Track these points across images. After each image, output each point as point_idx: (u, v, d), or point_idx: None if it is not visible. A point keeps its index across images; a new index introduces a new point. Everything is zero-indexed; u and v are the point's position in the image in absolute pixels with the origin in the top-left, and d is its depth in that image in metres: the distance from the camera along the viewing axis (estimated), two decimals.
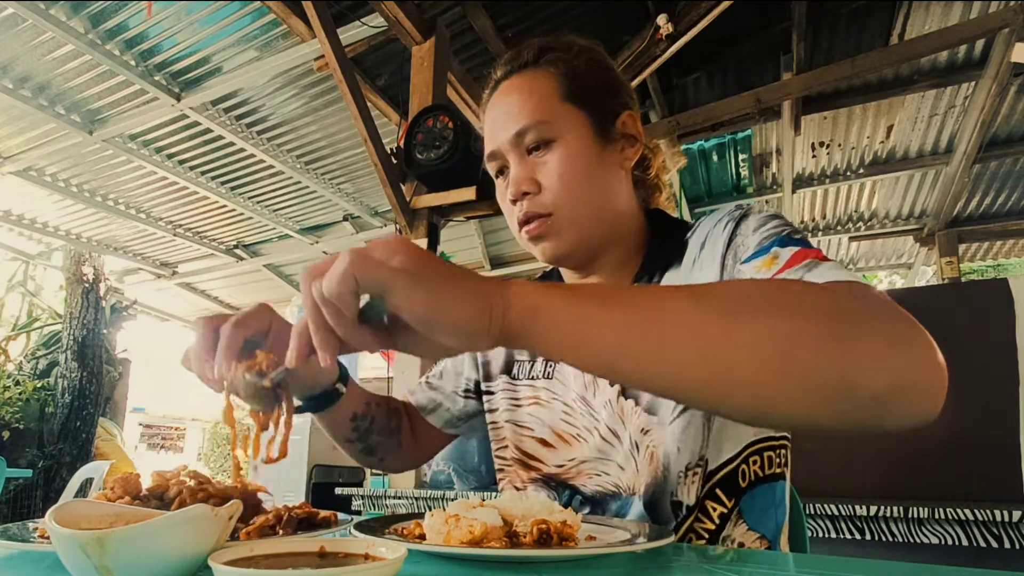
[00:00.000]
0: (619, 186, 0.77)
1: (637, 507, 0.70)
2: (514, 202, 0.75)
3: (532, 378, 0.85)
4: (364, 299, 0.46)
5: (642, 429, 0.72)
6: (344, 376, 0.78)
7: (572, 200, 0.73)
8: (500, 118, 0.76)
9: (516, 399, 0.87)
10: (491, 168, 0.80)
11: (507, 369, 0.89)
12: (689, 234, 0.77)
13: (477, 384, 0.93)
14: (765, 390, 0.41)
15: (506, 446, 0.87)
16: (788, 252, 0.58)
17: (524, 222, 0.75)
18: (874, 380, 0.40)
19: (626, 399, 0.74)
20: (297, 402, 0.76)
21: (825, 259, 0.54)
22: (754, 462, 0.72)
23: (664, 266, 0.76)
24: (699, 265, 0.72)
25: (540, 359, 0.86)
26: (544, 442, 0.81)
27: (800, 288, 0.46)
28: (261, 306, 0.61)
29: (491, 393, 0.90)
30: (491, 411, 0.89)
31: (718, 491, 0.70)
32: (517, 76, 0.77)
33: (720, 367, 0.41)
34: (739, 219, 0.70)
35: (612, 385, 0.75)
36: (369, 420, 0.84)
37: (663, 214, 0.84)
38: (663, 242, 0.79)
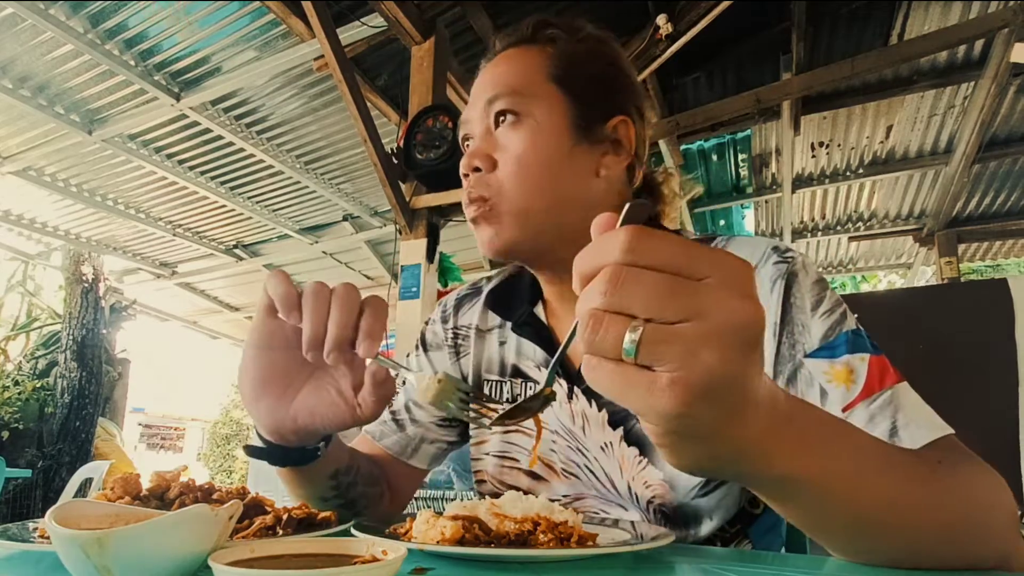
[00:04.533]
0: (588, 191, 0.68)
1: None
2: (465, 176, 0.69)
3: (508, 401, 0.76)
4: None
5: (645, 483, 0.65)
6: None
7: (521, 189, 0.65)
8: (480, 85, 0.71)
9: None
10: (460, 137, 0.74)
11: (477, 391, 0.78)
12: None
13: None
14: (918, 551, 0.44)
15: (483, 480, 0.79)
16: (862, 366, 0.55)
17: (468, 203, 0.68)
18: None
19: (628, 445, 0.67)
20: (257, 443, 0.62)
21: (896, 380, 0.55)
22: None
23: None
24: None
25: (518, 379, 0.76)
26: (532, 474, 0.74)
27: (953, 482, 0.47)
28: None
29: None
30: (476, 444, 0.80)
31: (726, 524, 0.66)
32: (511, 49, 0.71)
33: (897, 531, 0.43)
34: (788, 279, 0.61)
35: (614, 428, 0.68)
36: (354, 472, 0.70)
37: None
38: None
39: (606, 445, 0.68)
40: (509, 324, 0.78)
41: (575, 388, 0.71)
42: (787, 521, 0.50)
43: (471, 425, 0.81)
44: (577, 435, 0.70)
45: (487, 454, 0.78)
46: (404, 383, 0.85)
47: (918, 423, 0.52)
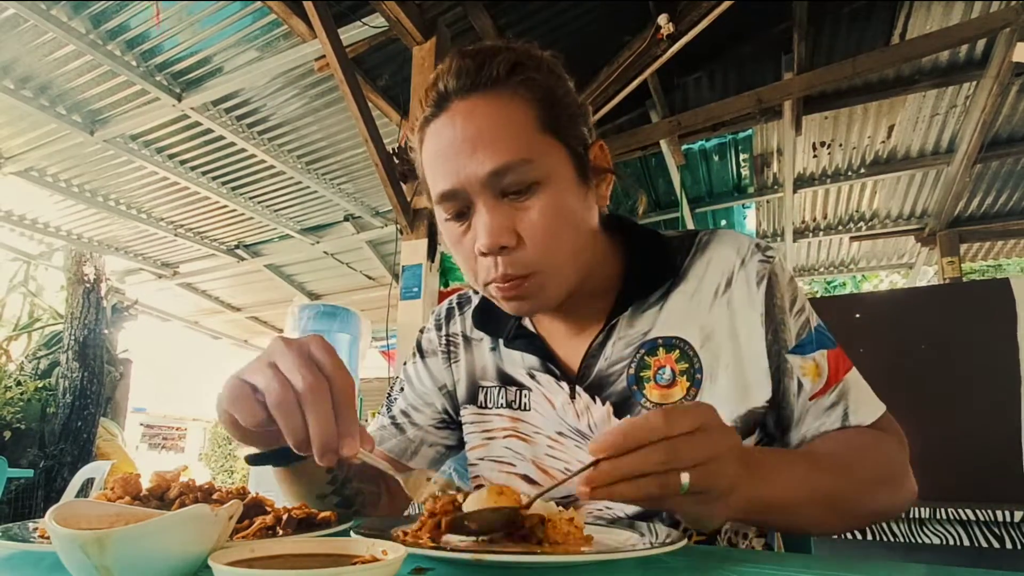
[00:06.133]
0: (595, 223, 0.69)
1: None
2: (485, 255, 0.64)
3: (503, 406, 0.78)
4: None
5: None
6: None
7: (557, 255, 0.64)
8: (463, 148, 0.62)
9: (488, 431, 0.79)
10: (445, 210, 0.66)
11: (472, 397, 0.81)
12: (686, 259, 0.72)
13: (448, 412, 0.85)
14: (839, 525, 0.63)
15: (481, 485, 0.78)
16: (824, 362, 0.68)
17: (497, 280, 0.64)
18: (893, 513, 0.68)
19: None
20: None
21: (847, 369, 0.69)
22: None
23: (651, 288, 0.71)
24: (724, 305, 0.69)
25: (512, 387, 0.78)
26: (528, 479, 0.74)
27: (880, 468, 0.64)
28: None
29: (463, 424, 0.82)
30: (472, 449, 0.81)
31: None
32: (481, 96, 0.63)
33: (834, 520, 0.61)
34: (770, 278, 0.68)
35: (619, 417, 0.69)
36: (347, 467, 0.70)
37: (622, 220, 0.77)
38: (645, 262, 0.72)
39: None
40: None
41: (577, 387, 0.73)
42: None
43: (466, 430, 0.82)
44: (584, 433, 0.71)
45: (482, 459, 0.79)
46: (403, 389, 0.88)
47: (863, 407, 0.67)
